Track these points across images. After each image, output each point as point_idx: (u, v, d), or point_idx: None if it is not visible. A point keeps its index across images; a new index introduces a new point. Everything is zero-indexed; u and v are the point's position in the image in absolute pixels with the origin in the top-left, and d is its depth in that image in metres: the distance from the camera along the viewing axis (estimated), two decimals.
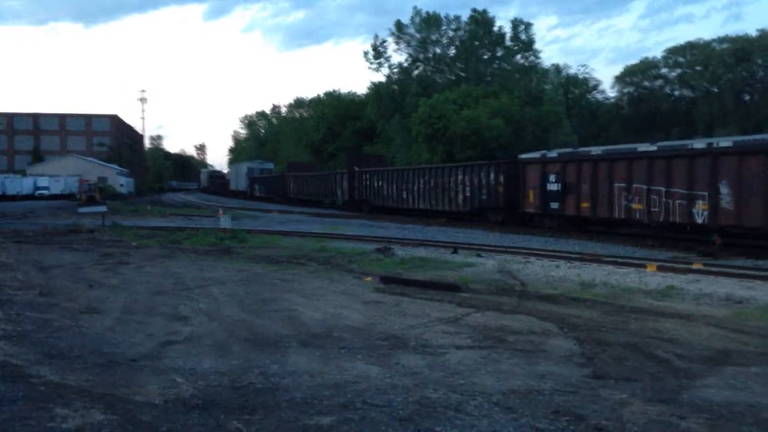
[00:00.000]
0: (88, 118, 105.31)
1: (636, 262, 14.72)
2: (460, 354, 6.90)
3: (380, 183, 40.59)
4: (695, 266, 13.91)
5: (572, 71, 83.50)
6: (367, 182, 42.28)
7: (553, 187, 24.78)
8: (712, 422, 4.90)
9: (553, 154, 25.60)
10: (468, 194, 30.85)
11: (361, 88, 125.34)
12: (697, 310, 9.38)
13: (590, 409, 5.16)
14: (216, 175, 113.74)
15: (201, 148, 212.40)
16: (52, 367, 6.29)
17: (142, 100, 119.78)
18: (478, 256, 16.25)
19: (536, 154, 26.51)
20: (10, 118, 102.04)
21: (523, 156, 27.15)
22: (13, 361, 6.46)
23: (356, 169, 44.49)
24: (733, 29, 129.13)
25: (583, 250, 18.00)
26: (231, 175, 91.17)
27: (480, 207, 30.05)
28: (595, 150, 23.64)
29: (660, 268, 13.57)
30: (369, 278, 12.36)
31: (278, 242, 19.94)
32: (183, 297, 10.43)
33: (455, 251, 17.23)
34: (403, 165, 50.08)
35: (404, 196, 37.20)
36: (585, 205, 23.19)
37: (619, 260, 15.12)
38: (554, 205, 24.71)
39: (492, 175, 29.00)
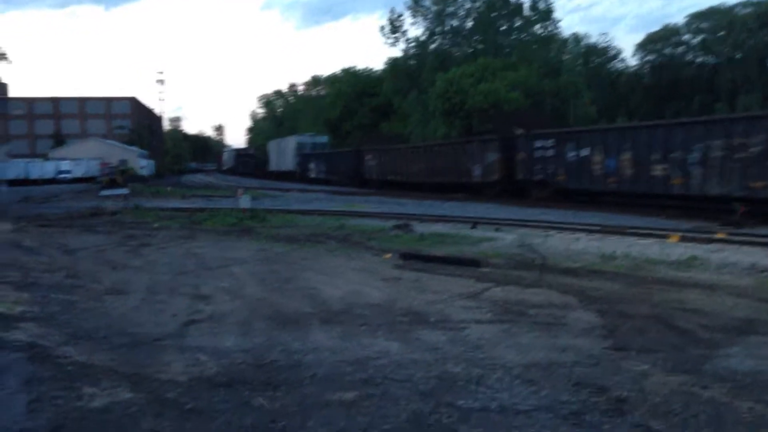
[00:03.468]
0: (107, 101, 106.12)
1: (658, 233, 14.58)
2: (480, 328, 6.91)
3: (587, 152, 24.90)
4: (719, 236, 13.75)
5: (592, 40, 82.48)
6: (550, 152, 26.55)
7: None
8: (735, 391, 4.87)
9: None
10: None
11: (378, 65, 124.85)
12: (720, 280, 9.29)
13: (612, 381, 5.16)
14: (245, 154, 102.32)
15: (219, 129, 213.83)
16: (78, 348, 6.41)
17: (161, 81, 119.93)
18: (497, 230, 16.20)
19: None
20: (31, 102, 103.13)
21: None
22: (41, 342, 6.58)
23: (519, 132, 29.46)
24: None
25: (603, 222, 17.86)
26: (271, 153, 77.90)
27: None
28: None
29: (682, 239, 13.45)
30: (388, 255, 12.39)
31: (298, 221, 20.02)
32: (205, 276, 10.54)
33: (474, 226, 17.18)
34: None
35: (681, 170, 20.92)
36: None
37: (641, 231, 14.99)
38: None
39: None
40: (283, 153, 69.09)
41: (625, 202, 24.28)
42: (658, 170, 21.91)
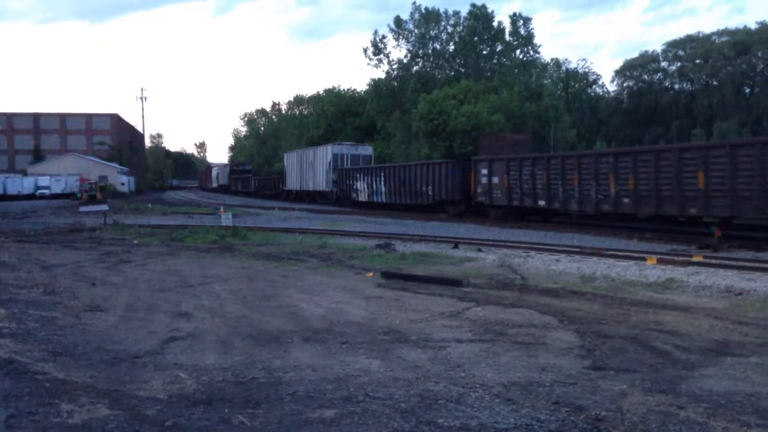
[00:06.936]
0: (88, 117, 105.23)
1: (636, 255, 14.76)
2: (461, 347, 6.95)
3: None
4: (695, 259, 13.95)
5: (572, 66, 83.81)
6: None
7: None
8: (711, 411, 4.95)
9: None
10: None
11: (361, 85, 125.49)
12: (697, 302, 9.43)
13: (590, 400, 5.21)
14: (241, 170, 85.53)
15: (201, 146, 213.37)
16: (56, 364, 6.34)
17: (143, 98, 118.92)
18: (479, 251, 16.29)
19: None
20: (11, 117, 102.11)
21: None
22: (18, 358, 6.51)
23: None
24: (736, 22, 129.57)
25: (583, 244, 18.04)
26: (289, 168, 59.28)
27: None
28: None
29: (660, 261, 13.61)
30: (370, 274, 12.41)
31: (279, 239, 19.98)
32: (185, 294, 10.48)
33: (456, 246, 17.27)
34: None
35: None
36: None
37: (620, 254, 15.16)
38: None
39: None
40: (310, 168, 52.36)
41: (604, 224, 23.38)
42: None
